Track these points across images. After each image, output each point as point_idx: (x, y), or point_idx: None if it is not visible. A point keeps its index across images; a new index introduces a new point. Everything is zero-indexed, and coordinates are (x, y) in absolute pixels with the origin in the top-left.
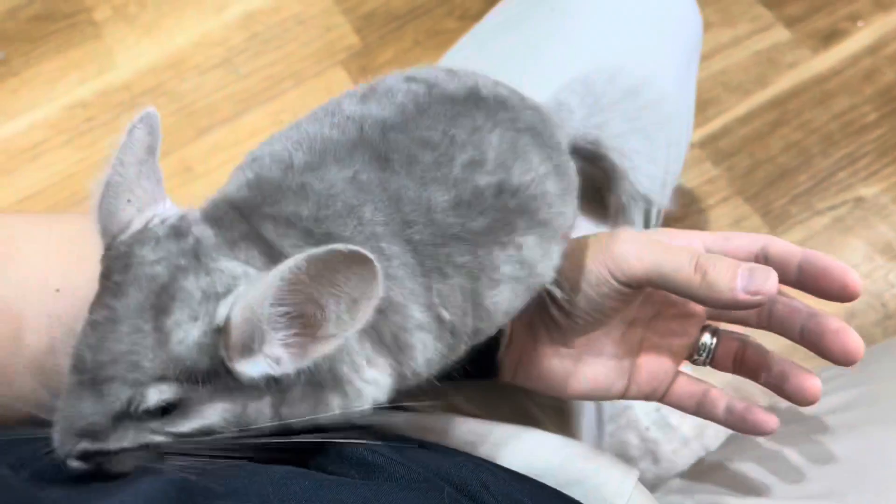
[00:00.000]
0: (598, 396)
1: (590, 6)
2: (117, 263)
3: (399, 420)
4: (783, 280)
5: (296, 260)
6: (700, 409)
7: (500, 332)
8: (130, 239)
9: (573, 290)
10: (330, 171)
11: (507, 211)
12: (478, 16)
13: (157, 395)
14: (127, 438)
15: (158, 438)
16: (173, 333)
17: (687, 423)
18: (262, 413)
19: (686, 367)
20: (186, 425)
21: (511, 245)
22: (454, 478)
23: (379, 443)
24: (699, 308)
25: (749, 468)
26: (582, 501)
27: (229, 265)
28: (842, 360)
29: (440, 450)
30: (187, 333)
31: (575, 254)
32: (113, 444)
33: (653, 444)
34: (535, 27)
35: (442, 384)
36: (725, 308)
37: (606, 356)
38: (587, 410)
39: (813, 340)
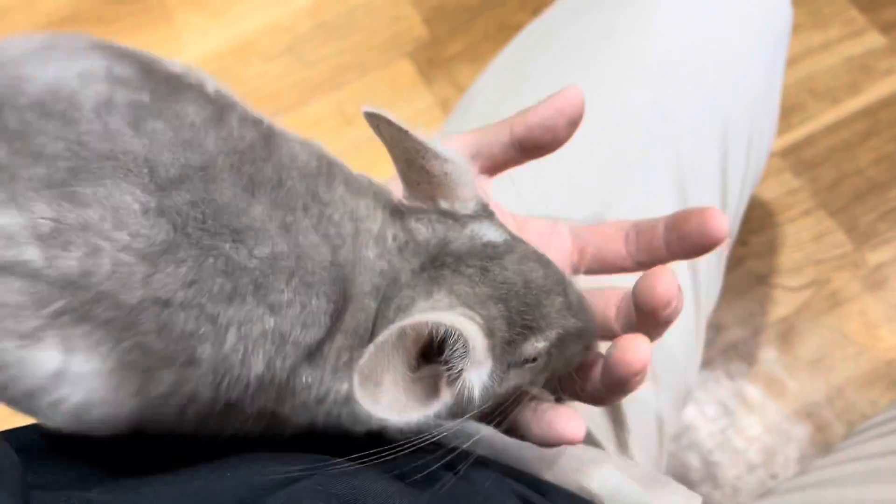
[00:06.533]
0: None
1: None
2: None
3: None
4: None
5: None
6: None
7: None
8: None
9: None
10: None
11: None
12: None
13: None
14: None
15: None
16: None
17: (754, 448)
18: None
19: None
20: None
21: None
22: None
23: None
24: None
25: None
26: None
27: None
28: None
29: (487, 462)
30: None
31: None
32: None
33: (715, 467)
34: (610, 14)
35: None
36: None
37: None
38: (647, 428)
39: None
